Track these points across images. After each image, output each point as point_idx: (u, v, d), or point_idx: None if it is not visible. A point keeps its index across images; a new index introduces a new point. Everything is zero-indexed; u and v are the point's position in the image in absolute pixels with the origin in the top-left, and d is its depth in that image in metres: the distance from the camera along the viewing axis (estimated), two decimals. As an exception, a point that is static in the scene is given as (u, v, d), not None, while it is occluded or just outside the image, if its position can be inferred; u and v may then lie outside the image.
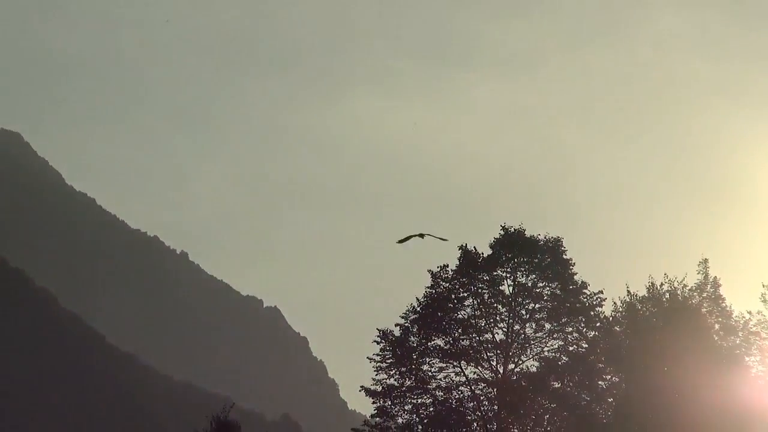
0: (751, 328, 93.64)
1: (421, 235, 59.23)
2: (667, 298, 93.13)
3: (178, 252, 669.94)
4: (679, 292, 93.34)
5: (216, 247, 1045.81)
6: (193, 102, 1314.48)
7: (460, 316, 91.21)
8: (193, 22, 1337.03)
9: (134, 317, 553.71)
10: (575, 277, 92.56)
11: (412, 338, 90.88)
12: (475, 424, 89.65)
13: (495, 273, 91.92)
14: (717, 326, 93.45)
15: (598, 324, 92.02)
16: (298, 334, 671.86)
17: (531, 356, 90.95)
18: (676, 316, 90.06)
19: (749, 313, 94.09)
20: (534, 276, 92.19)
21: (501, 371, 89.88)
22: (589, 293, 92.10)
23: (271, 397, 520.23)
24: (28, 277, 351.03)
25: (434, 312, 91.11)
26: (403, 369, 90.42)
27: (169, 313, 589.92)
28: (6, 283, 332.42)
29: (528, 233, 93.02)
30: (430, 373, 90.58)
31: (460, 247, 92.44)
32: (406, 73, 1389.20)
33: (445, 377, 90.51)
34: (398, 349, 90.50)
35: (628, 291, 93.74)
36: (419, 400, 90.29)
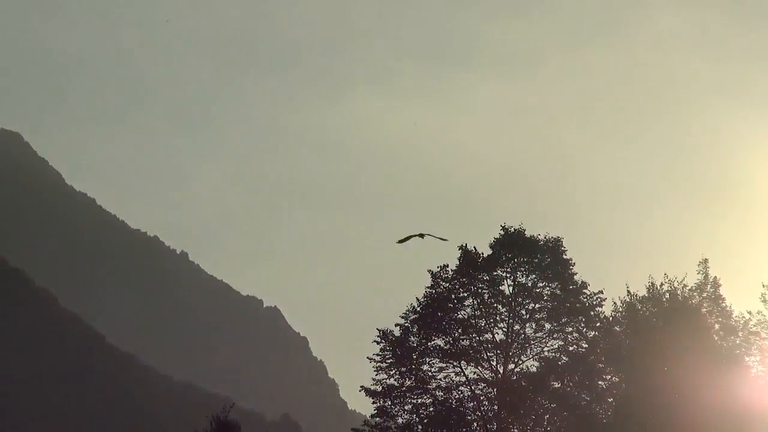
0: (751, 328, 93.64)
1: (421, 235, 59.22)
2: (667, 298, 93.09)
3: (178, 252, 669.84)
4: (679, 292, 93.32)
5: (216, 247, 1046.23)
6: (193, 102, 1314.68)
7: (460, 316, 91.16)
8: (192, 22, 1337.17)
9: (134, 317, 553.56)
10: (575, 277, 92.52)
11: (412, 338, 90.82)
12: (475, 424, 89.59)
13: (495, 273, 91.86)
14: (717, 326, 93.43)
15: (598, 324, 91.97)
16: (298, 334, 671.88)
17: (531, 356, 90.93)
18: (676, 316, 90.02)
19: (749, 313, 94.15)
20: (534, 276, 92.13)
21: (501, 371, 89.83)
22: (589, 293, 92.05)
23: (271, 397, 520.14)
24: (28, 277, 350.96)
25: (434, 312, 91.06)
26: (403, 369, 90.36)
27: (169, 313, 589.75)
28: (6, 283, 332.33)
29: (528, 233, 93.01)
30: (430, 373, 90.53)
31: (460, 247, 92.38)
32: (406, 73, 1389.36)
33: (445, 377, 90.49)
34: (398, 349, 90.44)
35: (628, 291, 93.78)
36: (419, 400, 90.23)
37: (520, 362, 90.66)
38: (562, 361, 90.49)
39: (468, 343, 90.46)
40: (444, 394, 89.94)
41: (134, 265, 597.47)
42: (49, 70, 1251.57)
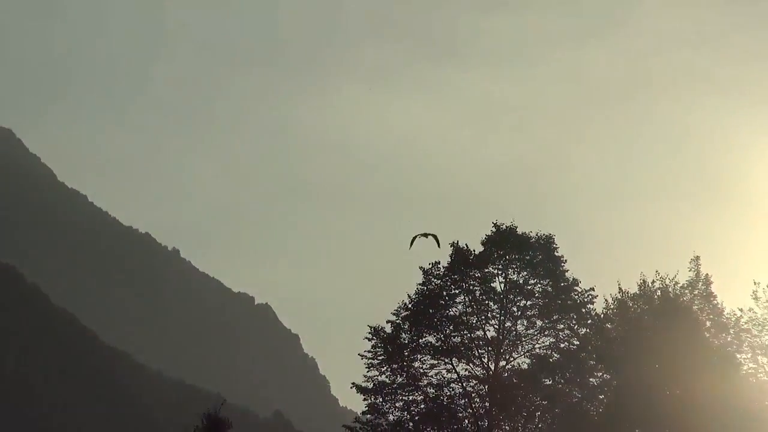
0: (742, 325, 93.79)
1: (425, 235, 59.31)
2: (658, 296, 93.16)
3: (169, 249, 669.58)
4: (670, 289, 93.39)
5: (208, 244, 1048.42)
6: (185, 99, 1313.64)
7: (451, 313, 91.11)
8: (185, 19, 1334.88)
9: (126, 314, 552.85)
10: (567, 274, 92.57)
11: (403, 335, 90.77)
12: (466, 421, 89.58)
13: (486, 270, 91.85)
14: (708, 323, 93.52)
15: (589, 321, 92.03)
16: (290, 330, 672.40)
17: (522, 353, 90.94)
18: (668, 314, 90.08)
19: (740, 310, 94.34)
20: (525, 273, 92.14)
21: (492, 368, 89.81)
22: (580, 290, 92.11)
23: (263, 394, 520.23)
24: (20, 274, 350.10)
25: (426, 309, 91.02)
26: (395, 366, 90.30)
27: (161, 310, 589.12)
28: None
29: (520, 230, 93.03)
30: (421, 370, 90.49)
31: (452, 245, 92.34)
32: (402, 71, 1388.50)
33: (436, 374, 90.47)
34: (390, 346, 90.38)
35: (620, 288, 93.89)
36: (410, 397, 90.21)
37: (512, 359, 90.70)
38: (554, 358, 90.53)
39: (459, 340, 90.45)
40: (435, 391, 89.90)
41: (126, 262, 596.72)
42: (41, 67, 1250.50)
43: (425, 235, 58.51)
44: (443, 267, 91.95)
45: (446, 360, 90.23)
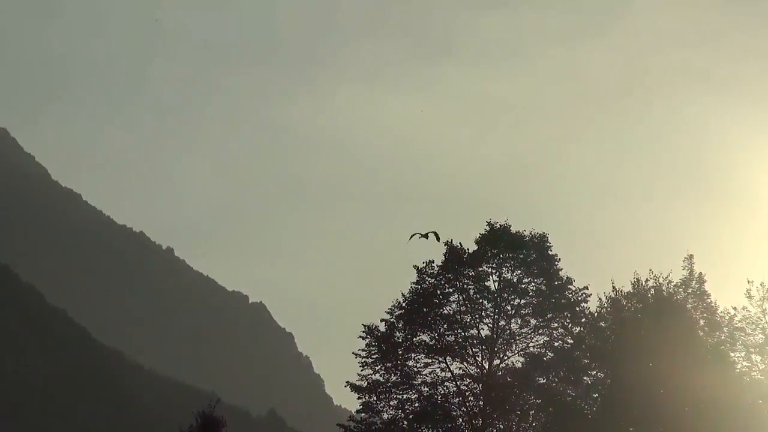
0: (736, 324, 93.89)
1: (425, 235, 59.45)
2: (652, 294, 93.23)
3: (164, 248, 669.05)
4: (664, 288, 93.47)
5: (202, 243, 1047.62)
6: (180, 98, 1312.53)
7: (445, 311, 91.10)
8: (180, 18, 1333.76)
9: (120, 313, 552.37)
10: (561, 272, 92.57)
11: (397, 334, 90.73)
12: (460, 420, 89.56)
13: (480, 269, 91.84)
14: (702, 322, 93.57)
15: (583, 320, 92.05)
16: (284, 329, 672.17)
17: (516, 352, 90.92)
18: (661, 312, 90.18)
19: (734, 309, 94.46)
20: (519, 272, 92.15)
21: (486, 367, 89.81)
22: (574, 289, 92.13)
23: (257, 393, 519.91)
24: (15, 273, 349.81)
25: (420, 308, 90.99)
26: (389, 365, 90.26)
27: (155, 309, 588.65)
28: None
29: (513, 229, 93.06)
30: (415, 369, 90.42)
31: (446, 243, 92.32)
32: (399, 69, 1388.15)
33: (430, 373, 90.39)
34: (384, 345, 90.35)
35: (614, 287, 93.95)
36: (405, 396, 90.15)
37: (506, 358, 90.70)
38: (548, 356, 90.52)
39: (453, 338, 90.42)
40: (429, 390, 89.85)
41: (120, 262, 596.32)
42: (36, 65, 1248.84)
43: (425, 235, 58.61)
44: (437, 266, 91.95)
45: (440, 358, 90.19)
